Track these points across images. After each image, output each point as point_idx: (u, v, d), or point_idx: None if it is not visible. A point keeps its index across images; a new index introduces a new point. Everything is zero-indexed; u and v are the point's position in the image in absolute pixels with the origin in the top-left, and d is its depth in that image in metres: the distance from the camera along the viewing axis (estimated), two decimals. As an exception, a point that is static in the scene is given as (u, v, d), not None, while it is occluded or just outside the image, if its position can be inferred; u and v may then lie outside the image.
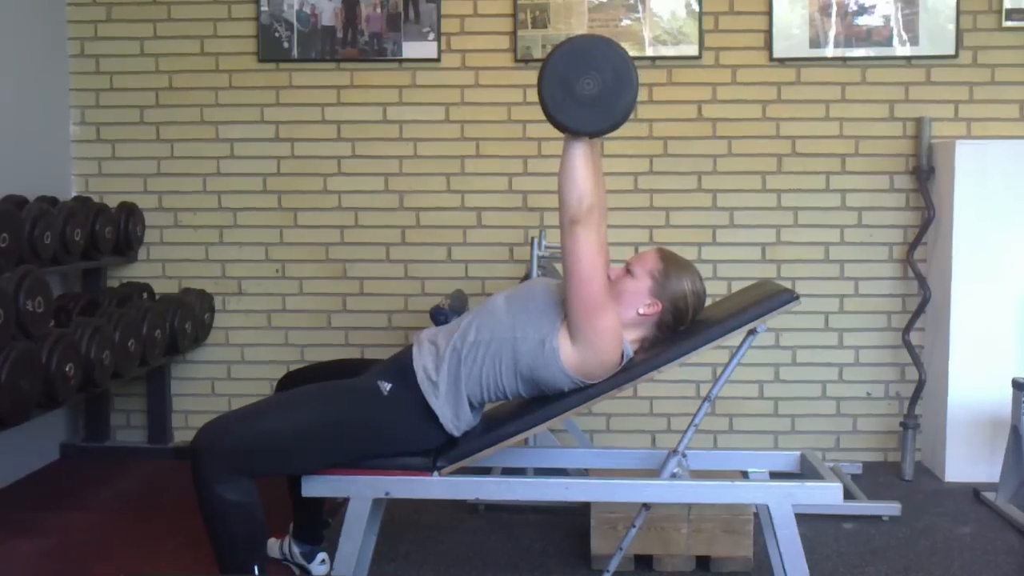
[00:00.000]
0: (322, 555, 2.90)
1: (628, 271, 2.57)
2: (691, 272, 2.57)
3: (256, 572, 2.42)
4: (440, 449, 2.55)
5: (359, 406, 2.48)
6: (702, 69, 4.08)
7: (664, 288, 2.52)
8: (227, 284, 4.25)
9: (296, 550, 2.91)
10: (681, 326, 2.57)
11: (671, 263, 2.56)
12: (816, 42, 4.03)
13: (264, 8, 4.12)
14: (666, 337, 2.57)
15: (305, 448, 2.45)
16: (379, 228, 4.17)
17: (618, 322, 2.45)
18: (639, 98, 4.16)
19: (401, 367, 2.54)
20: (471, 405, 2.51)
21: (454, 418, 2.50)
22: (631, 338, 2.53)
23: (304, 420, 2.44)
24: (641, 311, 2.52)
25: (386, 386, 2.50)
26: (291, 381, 2.75)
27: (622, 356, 2.49)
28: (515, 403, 2.63)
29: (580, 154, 2.34)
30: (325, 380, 2.60)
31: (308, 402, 2.48)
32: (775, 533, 2.48)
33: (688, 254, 4.09)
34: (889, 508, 3.46)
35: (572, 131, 2.33)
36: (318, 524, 2.91)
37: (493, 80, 4.12)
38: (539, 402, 2.54)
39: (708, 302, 2.65)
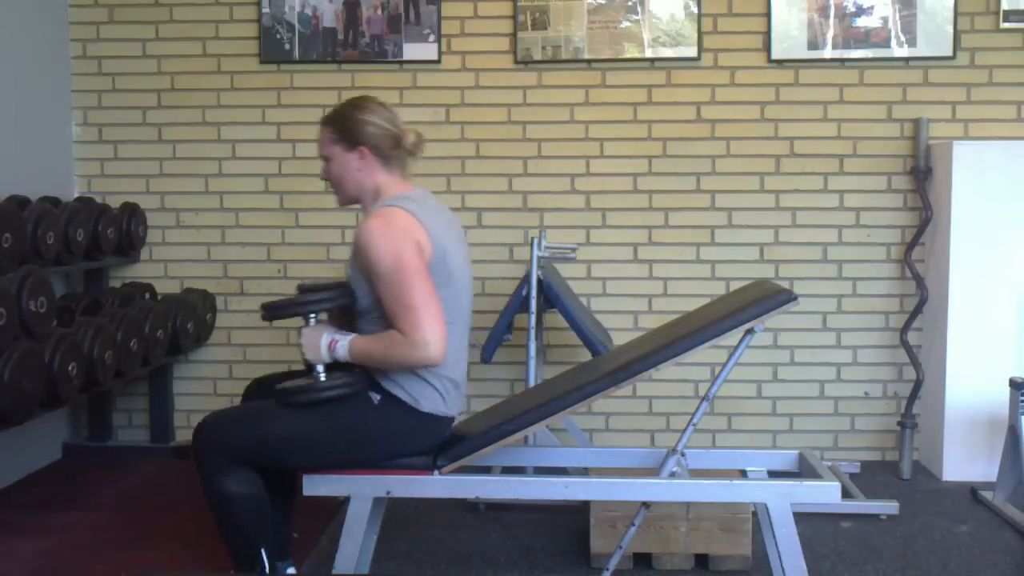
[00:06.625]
0: (291, 570, 2.81)
1: (324, 159, 2.59)
2: (353, 107, 2.57)
3: (263, 555, 2.49)
4: (440, 448, 2.57)
5: (356, 416, 2.50)
6: (701, 71, 4.10)
7: (350, 137, 2.54)
8: (229, 284, 4.27)
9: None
10: (399, 144, 2.56)
11: (333, 120, 2.58)
12: (814, 44, 4.04)
13: (266, 10, 4.13)
14: (400, 156, 2.58)
15: (308, 455, 2.52)
16: (380, 229, 4.18)
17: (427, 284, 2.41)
18: (639, 99, 4.21)
19: (368, 375, 2.55)
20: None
21: (412, 395, 2.50)
22: (378, 182, 2.55)
23: (306, 430, 2.48)
24: (359, 169, 2.55)
25: (375, 397, 2.52)
26: (258, 390, 2.75)
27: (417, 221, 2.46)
28: (514, 401, 2.64)
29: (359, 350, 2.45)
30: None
31: (309, 412, 2.49)
32: (773, 532, 2.50)
33: (686, 254, 4.14)
34: (887, 507, 3.48)
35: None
36: (284, 539, 2.79)
37: (493, 81, 4.14)
38: (538, 400, 2.57)
39: (705, 302, 2.66)
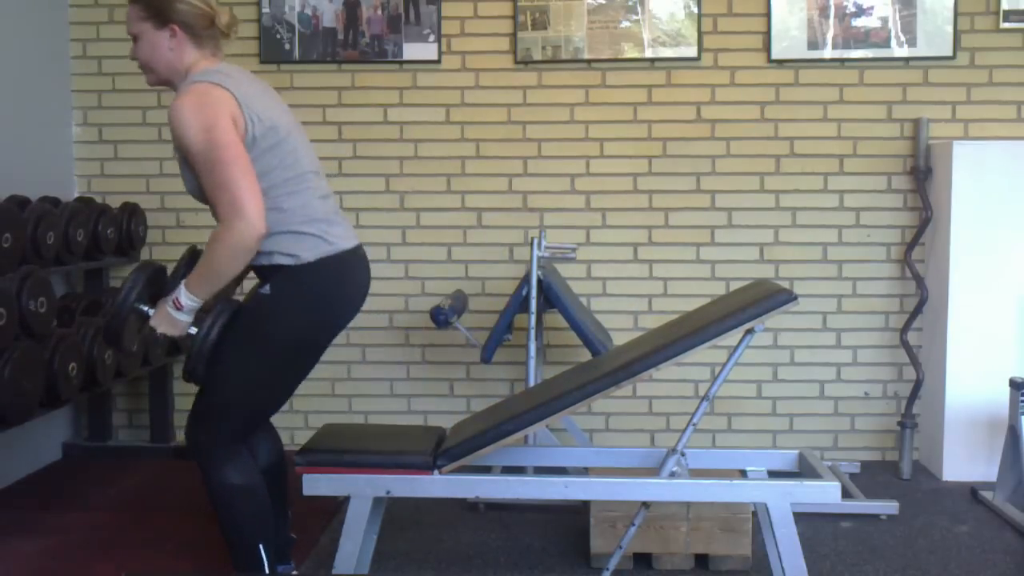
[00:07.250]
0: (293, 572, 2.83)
1: (133, 38, 2.49)
2: None
3: (262, 551, 2.50)
4: (440, 448, 2.58)
5: (271, 316, 2.46)
6: (701, 70, 4.10)
7: (160, 15, 2.44)
8: (228, 284, 4.26)
9: None
10: (212, 23, 2.48)
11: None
12: (814, 44, 4.05)
13: (266, 10, 4.13)
14: (213, 35, 2.50)
15: (281, 379, 2.54)
16: (380, 228, 4.18)
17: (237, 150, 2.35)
18: (639, 99, 4.21)
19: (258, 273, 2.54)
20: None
21: (291, 253, 2.45)
22: (190, 61, 2.47)
23: (253, 363, 2.48)
24: (170, 48, 2.46)
25: (266, 289, 2.48)
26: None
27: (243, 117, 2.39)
28: (514, 401, 2.64)
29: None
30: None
31: (247, 351, 2.48)
32: (773, 532, 2.50)
33: (686, 254, 4.14)
34: (887, 507, 3.48)
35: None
36: (284, 543, 2.78)
37: (493, 81, 4.14)
38: (538, 400, 2.57)
39: (705, 302, 2.66)
